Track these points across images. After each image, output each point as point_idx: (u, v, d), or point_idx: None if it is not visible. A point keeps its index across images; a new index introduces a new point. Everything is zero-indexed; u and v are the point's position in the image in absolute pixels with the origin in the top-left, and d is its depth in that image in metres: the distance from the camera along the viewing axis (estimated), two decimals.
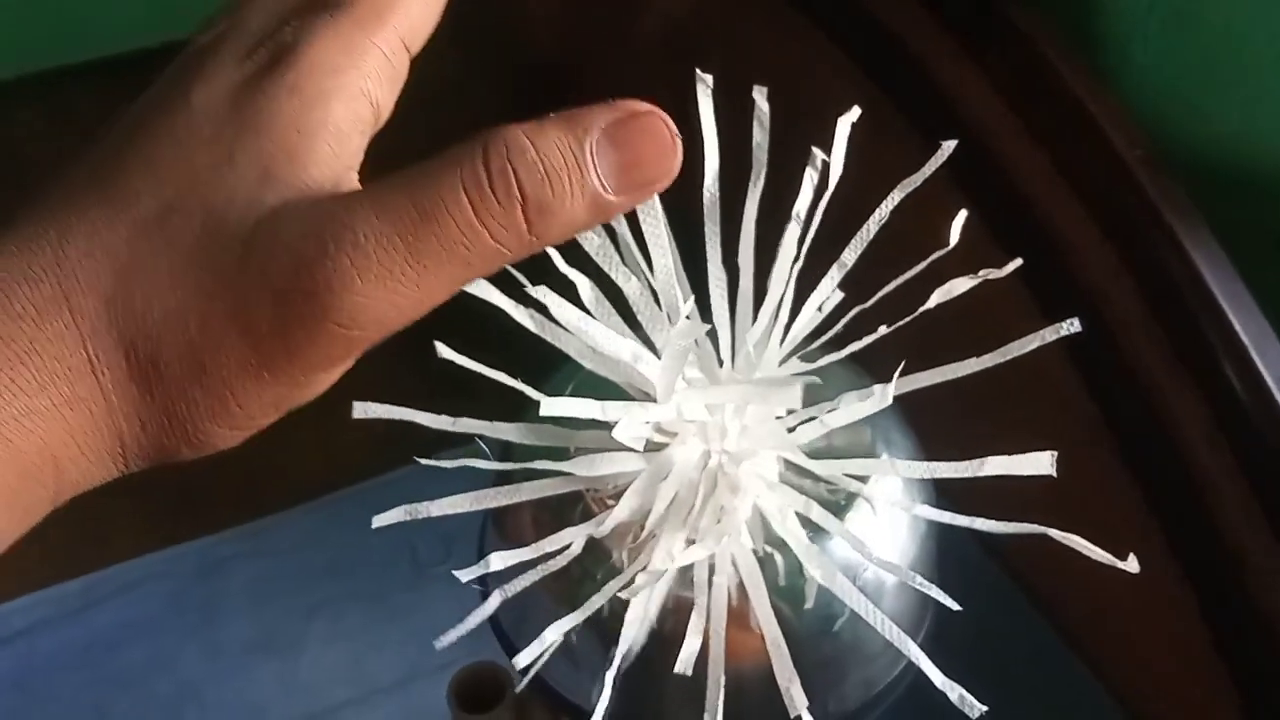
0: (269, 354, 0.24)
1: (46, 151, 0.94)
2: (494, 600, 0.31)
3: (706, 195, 0.32)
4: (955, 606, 0.29)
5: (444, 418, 0.31)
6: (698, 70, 0.31)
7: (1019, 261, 0.32)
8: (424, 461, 0.31)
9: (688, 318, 0.29)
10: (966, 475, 0.30)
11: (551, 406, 0.29)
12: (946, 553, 0.35)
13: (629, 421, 0.28)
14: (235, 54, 0.26)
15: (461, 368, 0.31)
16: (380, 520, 0.30)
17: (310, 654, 0.66)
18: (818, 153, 0.31)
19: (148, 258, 0.24)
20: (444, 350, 0.30)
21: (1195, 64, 0.59)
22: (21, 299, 0.24)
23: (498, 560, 0.30)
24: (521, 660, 0.30)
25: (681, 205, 0.33)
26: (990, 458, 0.29)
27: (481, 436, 0.31)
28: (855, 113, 0.31)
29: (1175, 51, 0.60)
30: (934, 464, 0.30)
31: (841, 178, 0.32)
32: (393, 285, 0.24)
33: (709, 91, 0.31)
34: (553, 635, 0.30)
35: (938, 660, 0.30)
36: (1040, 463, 0.28)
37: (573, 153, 0.24)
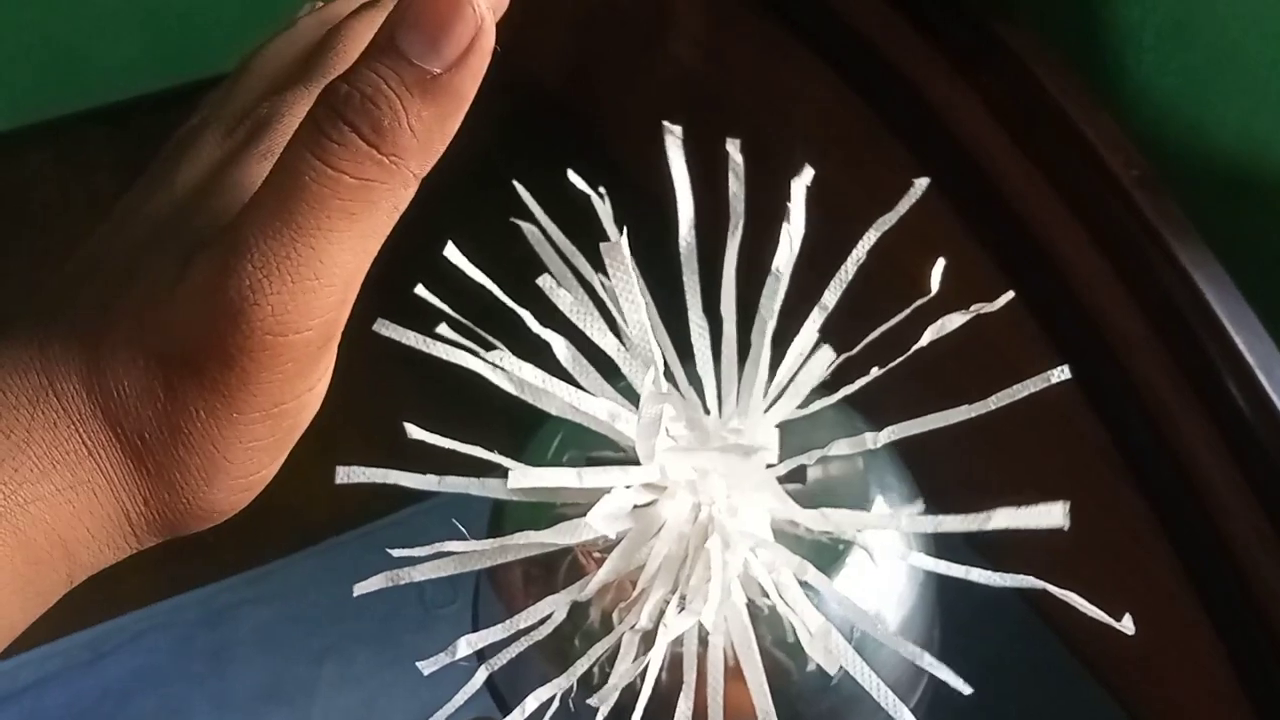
0: (228, 393, 0.24)
1: (56, 195, 0.95)
2: (480, 675, 0.30)
3: (683, 245, 0.32)
4: (965, 690, 0.28)
5: (430, 478, 0.31)
6: (665, 123, 0.31)
7: (1010, 295, 0.32)
8: (396, 553, 0.30)
9: (654, 384, 0.29)
10: (973, 529, 0.29)
11: (521, 478, 0.28)
12: (953, 582, 0.35)
13: (605, 503, 0.28)
14: (217, 135, 0.27)
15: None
16: (361, 588, 0.30)
17: (321, 700, 0.66)
18: (793, 208, 0.31)
19: (118, 339, 0.25)
20: (414, 431, 0.29)
21: (1193, 76, 0.59)
22: (14, 389, 0.25)
23: (465, 646, 0.30)
24: None
25: (669, 255, 0.33)
26: (998, 510, 0.29)
27: (458, 498, 0.31)
28: (808, 174, 0.31)
29: (1172, 64, 0.59)
30: (939, 518, 0.30)
31: (836, 201, 0.32)
32: (299, 270, 0.24)
33: (678, 143, 0.31)
34: (533, 704, 0.29)
35: (950, 693, 0.29)
36: (1052, 515, 0.28)
37: (380, 62, 0.24)
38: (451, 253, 0.31)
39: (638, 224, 0.32)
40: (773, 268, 0.32)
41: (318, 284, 0.24)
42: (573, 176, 0.31)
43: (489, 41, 0.24)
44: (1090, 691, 0.62)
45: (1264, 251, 0.57)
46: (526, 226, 0.31)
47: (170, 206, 0.26)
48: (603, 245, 0.29)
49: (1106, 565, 0.29)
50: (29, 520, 0.24)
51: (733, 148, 0.32)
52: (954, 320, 0.31)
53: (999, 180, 0.58)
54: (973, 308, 0.31)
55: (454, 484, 0.31)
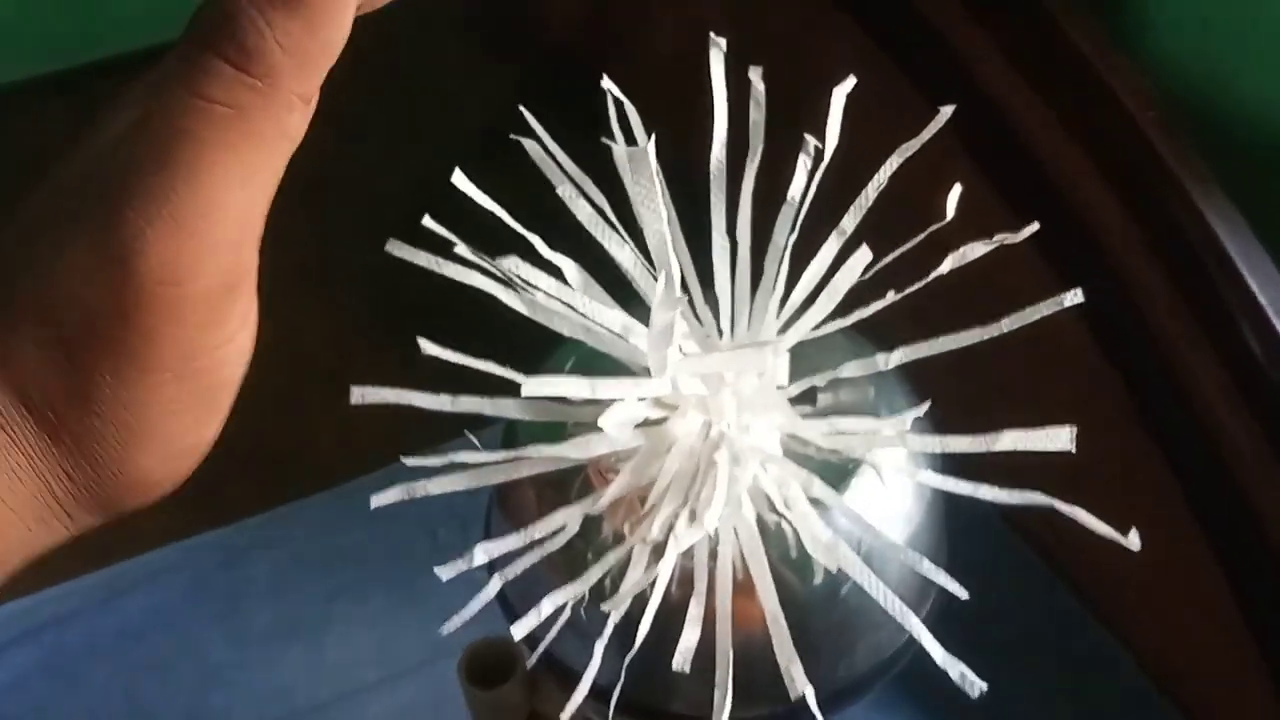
0: (132, 352, 0.23)
1: (67, 147, 0.95)
2: (494, 584, 0.31)
3: (714, 163, 0.32)
4: (962, 594, 0.28)
5: (444, 397, 0.31)
6: (711, 34, 0.30)
7: (1035, 226, 0.32)
8: (409, 462, 0.31)
9: (667, 290, 0.29)
10: (981, 450, 0.29)
11: (535, 386, 0.28)
12: (959, 516, 0.35)
13: (616, 411, 0.28)
14: (136, 95, 0.26)
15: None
16: (379, 500, 0.30)
17: (334, 637, 0.67)
18: (810, 139, 0.31)
19: (18, 312, 0.24)
20: (427, 346, 0.30)
21: (1213, 27, 0.58)
22: None
23: (481, 554, 0.30)
24: (518, 631, 0.29)
25: (688, 180, 0.33)
26: (1006, 432, 0.29)
27: (474, 426, 0.31)
28: (850, 82, 0.31)
29: (1192, 14, 0.59)
30: (947, 438, 0.30)
31: (851, 146, 0.32)
32: (182, 213, 0.22)
33: (722, 56, 0.31)
34: (549, 607, 0.30)
35: (949, 626, 0.29)
36: (1059, 438, 0.28)
37: None
38: (459, 179, 0.30)
39: (666, 158, 0.32)
40: (788, 196, 0.32)
41: (206, 225, 0.23)
42: (607, 84, 0.31)
43: None
44: (1086, 622, 0.62)
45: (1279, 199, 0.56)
46: (529, 143, 0.31)
47: (70, 175, 0.25)
48: (630, 149, 0.29)
49: (1114, 506, 0.29)
50: None
51: (754, 75, 0.32)
52: (976, 249, 0.31)
53: (1017, 124, 0.57)
54: (996, 237, 0.31)
55: (467, 404, 0.32)
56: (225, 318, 0.24)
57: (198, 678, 0.65)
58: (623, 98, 0.31)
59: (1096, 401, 0.58)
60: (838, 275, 0.30)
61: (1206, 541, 0.54)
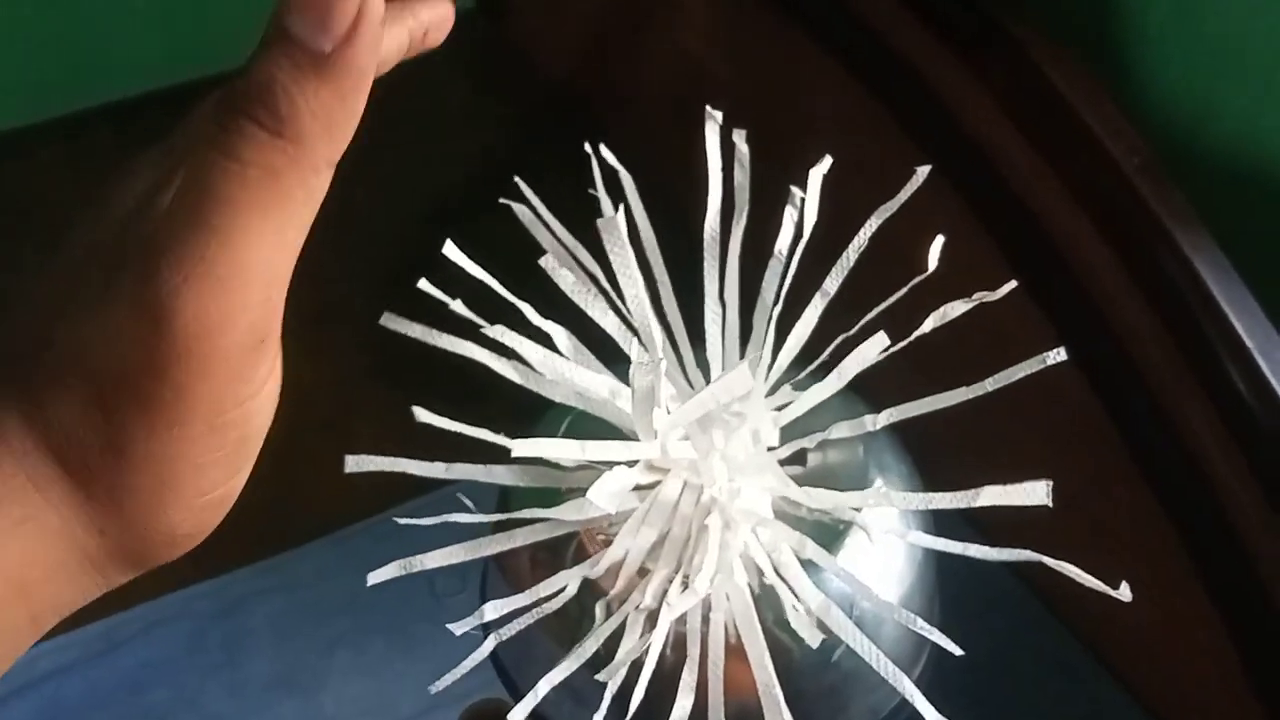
0: (165, 407, 0.24)
1: (66, 191, 0.96)
2: (489, 644, 0.31)
3: (707, 230, 0.32)
4: (956, 651, 0.28)
5: (438, 465, 0.31)
6: (708, 108, 0.31)
7: (1013, 284, 0.32)
8: (401, 521, 0.31)
9: (646, 355, 0.29)
10: (963, 505, 0.29)
11: (525, 449, 0.29)
12: (956, 562, 0.35)
13: (606, 481, 0.28)
14: (155, 158, 0.27)
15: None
16: (375, 577, 0.30)
17: (333, 688, 0.67)
18: (796, 191, 0.31)
19: (51, 368, 0.24)
20: (421, 414, 0.30)
21: (1197, 66, 0.59)
22: None
23: (491, 610, 0.30)
24: (516, 715, 0.30)
25: (674, 245, 0.33)
26: (985, 488, 0.29)
27: (465, 489, 0.31)
28: (826, 163, 0.31)
29: (1176, 54, 0.59)
30: (929, 495, 0.30)
31: (842, 191, 0.32)
32: (216, 270, 0.23)
33: (717, 128, 0.32)
34: (545, 688, 0.30)
35: (950, 676, 0.30)
36: (1035, 493, 0.28)
37: (272, 50, 0.23)
38: (451, 250, 0.31)
39: (658, 222, 0.32)
40: (775, 250, 0.32)
41: (238, 283, 0.23)
42: (605, 152, 0.31)
43: (377, 10, 0.23)
44: (1090, 671, 0.62)
45: (1265, 239, 0.57)
46: (519, 208, 0.31)
47: (104, 233, 0.25)
48: (600, 221, 0.30)
49: (1108, 548, 0.29)
50: None
51: (739, 139, 0.32)
52: (956, 308, 0.32)
53: (1004, 169, 0.58)
54: (975, 296, 0.31)
55: (461, 470, 0.32)
56: (255, 371, 0.25)
57: None
58: (616, 164, 0.31)
59: (1088, 444, 0.58)
60: (848, 359, 0.30)
61: (1201, 581, 0.55)
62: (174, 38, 0.99)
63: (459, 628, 0.30)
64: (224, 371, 0.24)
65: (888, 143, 0.63)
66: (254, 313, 0.24)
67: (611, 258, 0.29)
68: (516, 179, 0.32)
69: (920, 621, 0.29)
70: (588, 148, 0.32)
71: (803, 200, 0.31)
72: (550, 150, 0.32)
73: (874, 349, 0.31)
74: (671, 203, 0.33)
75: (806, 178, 0.32)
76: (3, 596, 0.24)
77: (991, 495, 0.29)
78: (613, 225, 0.29)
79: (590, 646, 0.30)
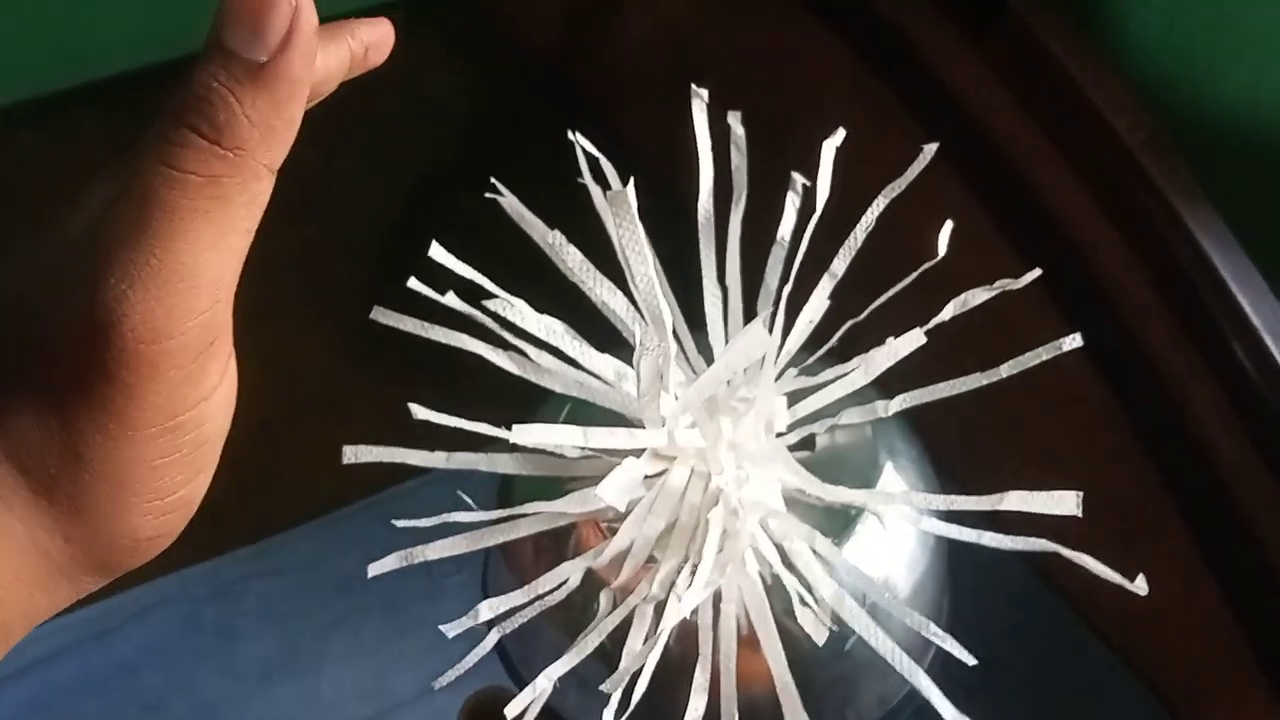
0: (117, 410, 0.24)
1: (47, 172, 0.94)
2: (492, 638, 0.30)
3: (701, 213, 0.31)
4: (970, 660, 0.28)
5: (438, 454, 0.31)
6: (693, 86, 0.30)
7: (1038, 272, 0.31)
8: (399, 524, 0.30)
9: (649, 338, 0.28)
10: (986, 509, 0.29)
11: (524, 435, 0.28)
12: (965, 547, 0.35)
13: (615, 477, 0.27)
14: (116, 169, 0.27)
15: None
16: (376, 569, 0.30)
17: (330, 671, 0.66)
18: (797, 177, 0.31)
19: (8, 375, 0.25)
20: (419, 411, 0.29)
21: (1199, 37, 0.58)
22: None
23: (487, 610, 0.30)
24: (514, 708, 0.29)
25: (667, 224, 0.33)
26: (1010, 493, 0.29)
27: (466, 476, 0.31)
28: (840, 135, 0.31)
29: (1178, 25, 0.59)
30: (952, 497, 0.30)
31: (841, 169, 0.32)
32: (161, 275, 0.24)
33: (704, 107, 0.31)
34: (545, 683, 0.29)
35: (956, 664, 0.29)
36: (1065, 503, 0.28)
37: (210, 61, 0.24)
38: (437, 252, 0.30)
39: (652, 208, 0.32)
40: (778, 236, 0.32)
41: (183, 286, 0.24)
42: (580, 140, 0.30)
43: (310, 21, 0.24)
44: (1102, 659, 0.62)
45: (1271, 212, 0.57)
46: (506, 201, 0.31)
47: (57, 244, 0.26)
48: (609, 194, 0.29)
49: (1115, 530, 0.29)
50: None
51: (734, 120, 0.31)
52: (978, 295, 0.31)
53: (1006, 146, 0.57)
54: (998, 284, 0.31)
55: (461, 460, 0.31)
56: (204, 373, 0.25)
57: (191, 714, 0.65)
58: (598, 154, 0.30)
59: (1092, 422, 0.58)
60: (878, 353, 0.30)
61: (1206, 560, 0.54)
62: (153, 17, 0.98)
63: (452, 629, 0.30)
64: (173, 374, 0.25)
65: (887, 119, 0.63)
66: (201, 316, 0.25)
67: (621, 233, 0.28)
68: (493, 180, 0.32)
69: (931, 626, 0.29)
70: (571, 136, 0.31)
71: (804, 185, 0.31)
72: (540, 128, 0.32)
73: (908, 344, 0.30)
74: (665, 183, 0.32)
75: (806, 157, 0.31)
76: None
77: (1017, 500, 0.28)
78: (621, 199, 0.28)
79: (594, 640, 0.29)
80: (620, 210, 0.28)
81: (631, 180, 0.30)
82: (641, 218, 0.30)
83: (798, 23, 0.68)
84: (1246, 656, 0.54)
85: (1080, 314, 0.55)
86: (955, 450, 0.30)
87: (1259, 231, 0.52)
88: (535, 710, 0.29)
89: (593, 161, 0.32)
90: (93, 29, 0.97)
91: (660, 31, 0.79)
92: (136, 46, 0.97)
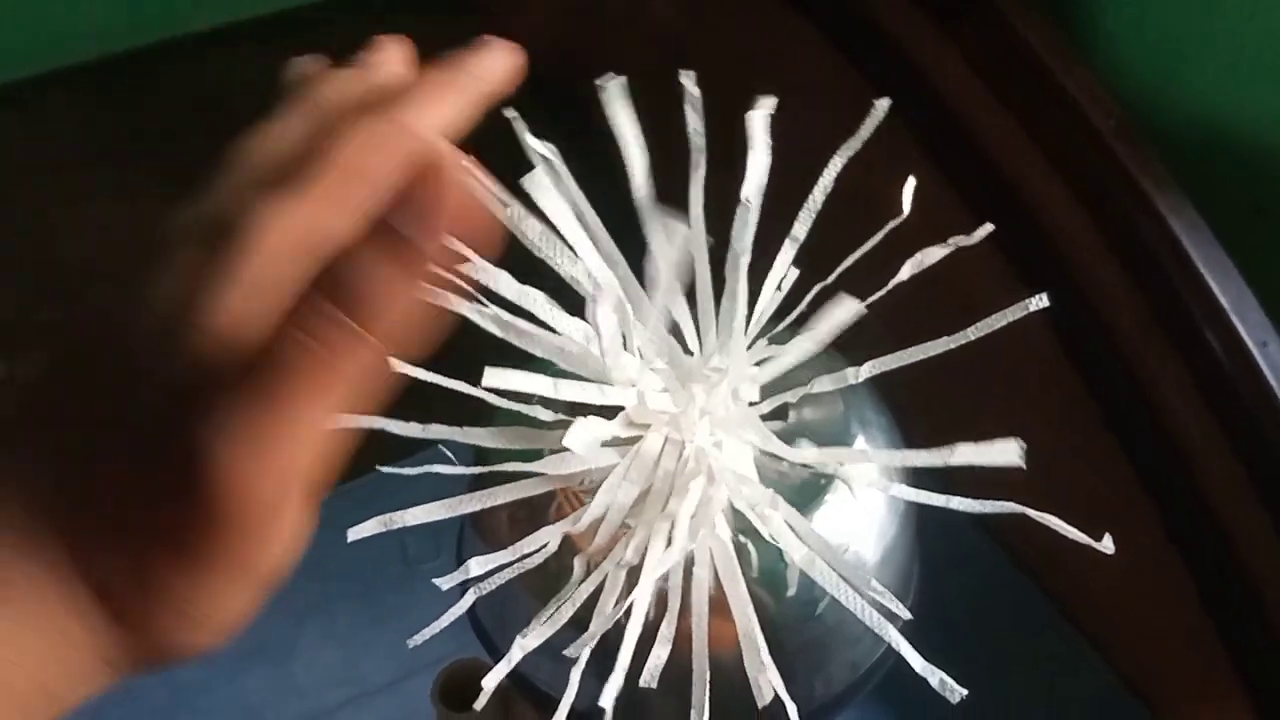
0: (197, 556, 0.25)
1: (19, 157, 0.94)
2: (469, 598, 0.31)
3: (637, 194, 0.31)
4: (905, 614, 0.28)
5: (414, 425, 0.31)
6: (610, 73, 0.30)
7: (990, 227, 0.32)
8: (385, 469, 0.31)
9: (601, 290, 0.28)
10: (938, 464, 0.29)
11: (495, 378, 0.28)
12: (932, 525, 0.35)
13: (582, 428, 0.28)
14: (196, 247, 0.26)
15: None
16: (356, 533, 0.30)
17: (303, 657, 0.66)
18: (756, 138, 0.31)
19: (96, 502, 0.25)
20: (397, 365, 0.29)
21: (1169, 31, 0.59)
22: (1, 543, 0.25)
23: (477, 565, 0.30)
24: (491, 681, 0.29)
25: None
26: (959, 445, 0.29)
27: (448, 442, 0.31)
28: (770, 103, 0.31)
29: (1147, 19, 0.59)
30: (905, 453, 0.30)
31: (820, 156, 0.32)
32: (263, 439, 0.24)
33: (621, 91, 0.30)
34: (519, 653, 0.29)
35: (927, 634, 0.29)
36: (1008, 452, 0.28)
37: (386, 255, 0.25)
38: None
39: (623, 182, 0.32)
40: (741, 197, 0.31)
41: (275, 440, 0.24)
42: (532, 142, 0.30)
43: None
44: (1061, 629, 0.63)
45: (1237, 201, 0.57)
46: (469, 180, 0.31)
47: (146, 335, 0.26)
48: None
49: (1082, 509, 0.29)
50: (9, 669, 0.25)
51: (688, 80, 0.31)
52: (934, 253, 0.31)
53: (979, 132, 0.58)
54: (950, 240, 0.31)
55: (438, 431, 0.31)
56: (281, 523, 0.26)
57: (166, 700, 0.64)
58: (539, 145, 0.30)
59: (1061, 406, 0.58)
60: (822, 323, 0.30)
61: (1171, 540, 0.55)
62: (130, 2, 0.98)
63: (445, 583, 0.30)
64: (254, 526, 0.25)
65: (863, 108, 0.63)
66: (287, 473, 0.25)
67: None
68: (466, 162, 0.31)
69: (877, 585, 0.29)
70: (529, 141, 0.31)
71: (768, 144, 0.31)
72: (525, 116, 0.32)
73: (846, 311, 0.30)
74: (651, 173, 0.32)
75: (782, 145, 0.31)
76: (29, 695, 0.25)
77: (965, 454, 0.29)
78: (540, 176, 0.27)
79: (568, 610, 0.29)
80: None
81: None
82: (620, 211, 0.30)
83: (776, 14, 0.68)
84: (1211, 632, 0.54)
85: (1052, 298, 0.56)
86: (925, 440, 0.30)
87: (1226, 223, 0.53)
88: (506, 670, 0.30)
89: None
90: (66, 15, 0.96)
91: (642, 25, 0.79)
92: (108, 34, 0.97)
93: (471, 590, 0.31)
